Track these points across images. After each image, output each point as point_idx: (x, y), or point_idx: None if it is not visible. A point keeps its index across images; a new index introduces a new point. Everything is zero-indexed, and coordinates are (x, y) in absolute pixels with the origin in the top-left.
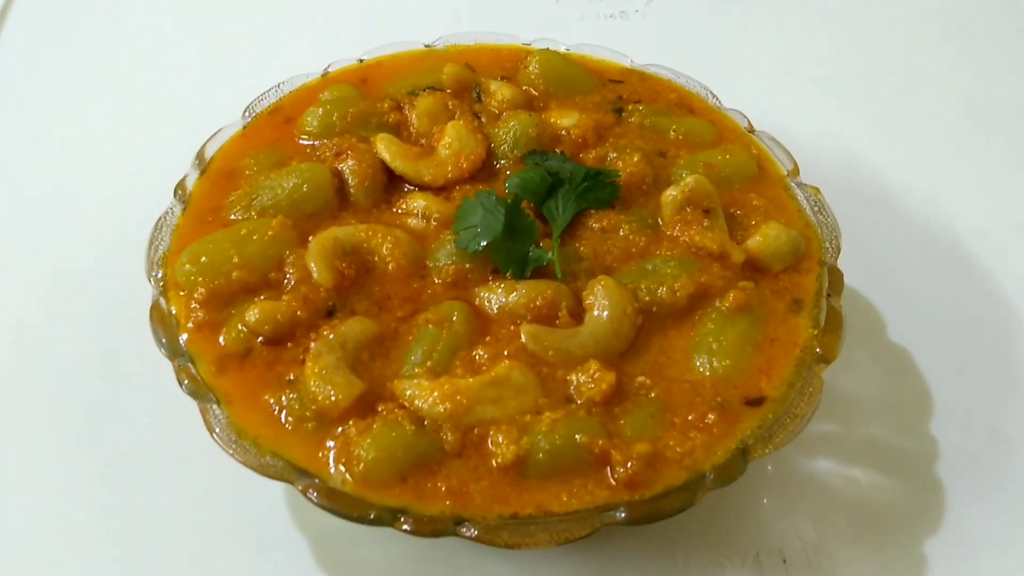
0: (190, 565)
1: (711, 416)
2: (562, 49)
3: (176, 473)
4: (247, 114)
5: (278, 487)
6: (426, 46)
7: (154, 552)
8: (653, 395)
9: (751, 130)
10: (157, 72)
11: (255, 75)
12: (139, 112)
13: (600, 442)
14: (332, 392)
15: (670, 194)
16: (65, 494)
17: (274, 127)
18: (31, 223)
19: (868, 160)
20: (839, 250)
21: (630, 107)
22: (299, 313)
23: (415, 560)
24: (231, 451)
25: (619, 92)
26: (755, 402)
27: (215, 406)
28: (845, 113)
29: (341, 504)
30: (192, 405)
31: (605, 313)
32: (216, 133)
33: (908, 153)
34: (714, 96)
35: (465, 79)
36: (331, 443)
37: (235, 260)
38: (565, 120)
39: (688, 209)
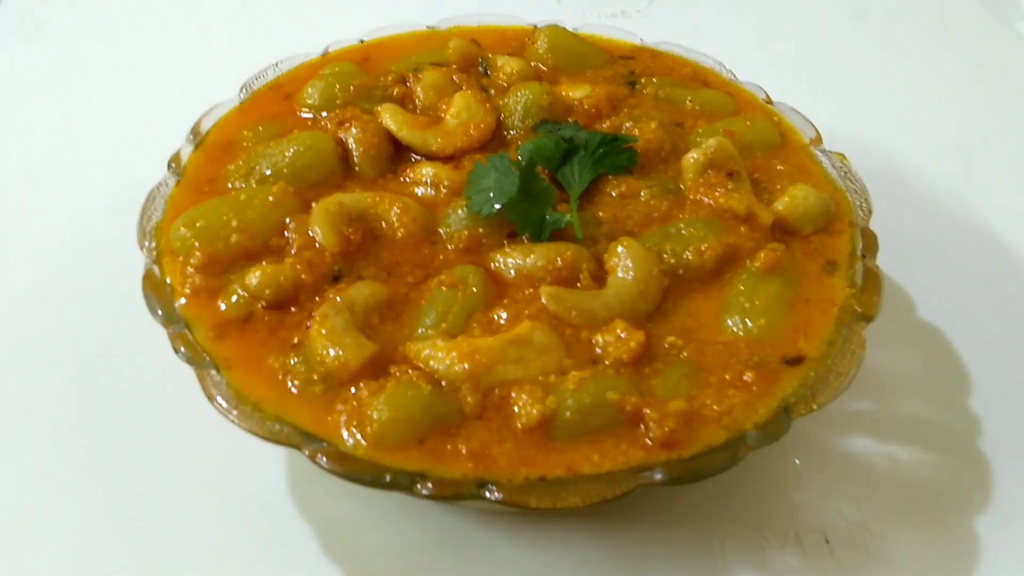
0: (184, 558)
1: (749, 375)
2: (570, 28)
3: (169, 461)
4: (244, 91)
5: (279, 471)
6: (428, 27)
7: (147, 543)
8: (685, 355)
9: (769, 102)
10: (157, 54)
11: (254, 58)
12: (138, 95)
13: (633, 399)
14: (341, 353)
15: (691, 157)
16: (56, 479)
17: (273, 102)
18: (25, 202)
19: (887, 141)
20: (871, 212)
21: (643, 80)
22: (303, 277)
23: (424, 547)
24: (232, 417)
25: (631, 67)
26: (794, 361)
27: (214, 372)
28: (863, 97)
29: (354, 468)
30: (190, 383)
31: (630, 274)
32: (212, 108)
33: (929, 131)
34: (729, 71)
35: (471, 54)
36: (341, 406)
37: (234, 224)
38: (577, 92)
39: (711, 172)
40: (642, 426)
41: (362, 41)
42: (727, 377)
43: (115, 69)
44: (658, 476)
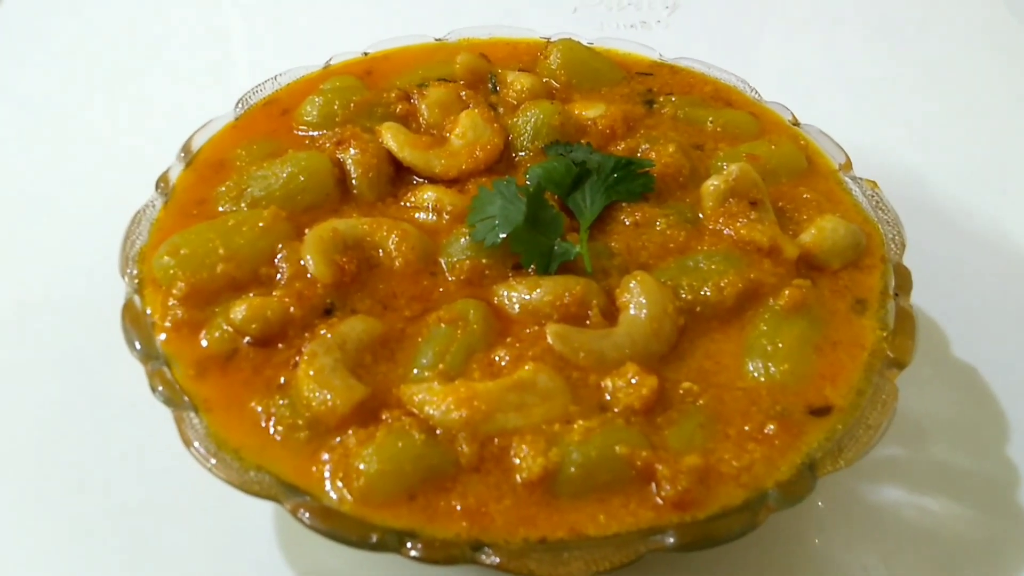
0: None
1: (771, 426)
2: (585, 43)
3: (148, 501)
4: (240, 106)
5: (265, 516)
6: (436, 40)
7: None
8: (701, 403)
9: (796, 123)
10: (154, 69)
11: (253, 72)
12: (133, 110)
13: (643, 454)
14: (329, 397)
15: (712, 184)
16: (27, 521)
17: (269, 118)
18: (8, 219)
19: (920, 165)
20: (904, 246)
21: (662, 99)
22: (292, 310)
23: None
24: (209, 465)
25: (648, 85)
26: (820, 411)
27: (192, 414)
28: (893, 120)
29: (338, 525)
30: (168, 417)
31: (643, 312)
32: (205, 125)
33: (964, 156)
34: (753, 89)
35: (480, 69)
36: (327, 456)
37: (221, 252)
38: (591, 111)
39: (732, 201)
40: (653, 484)
41: (366, 54)
42: (747, 428)
43: (114, 81)
44: (670, 540)
